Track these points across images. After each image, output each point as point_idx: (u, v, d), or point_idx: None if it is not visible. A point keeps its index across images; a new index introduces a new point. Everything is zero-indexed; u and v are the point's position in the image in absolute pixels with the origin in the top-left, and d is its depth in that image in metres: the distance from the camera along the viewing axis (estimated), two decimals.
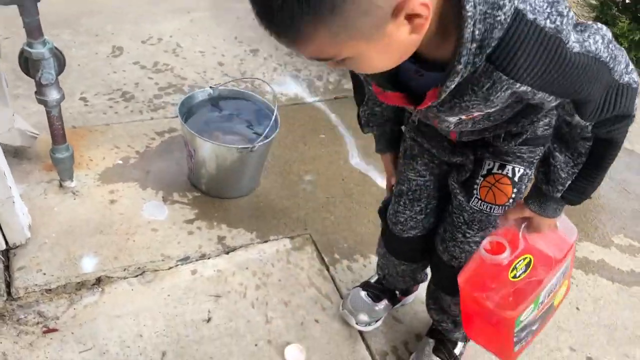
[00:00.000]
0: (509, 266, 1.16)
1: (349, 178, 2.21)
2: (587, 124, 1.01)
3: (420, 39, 0.82)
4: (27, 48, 1.55)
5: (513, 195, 1.26)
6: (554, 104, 0.97)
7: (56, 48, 1.61)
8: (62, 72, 1.67)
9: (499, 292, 1.17)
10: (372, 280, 1.71)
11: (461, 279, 1.20)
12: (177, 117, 2.30)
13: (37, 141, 1.98)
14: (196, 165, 1.94)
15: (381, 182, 2.23)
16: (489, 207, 1.27)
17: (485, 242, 1.18)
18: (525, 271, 1.18)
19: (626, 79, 0.95)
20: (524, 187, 1.27)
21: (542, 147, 1.22)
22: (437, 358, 1.57)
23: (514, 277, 1.17)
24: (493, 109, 0.99)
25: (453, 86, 0.89)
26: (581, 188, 1.11)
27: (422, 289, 1.71)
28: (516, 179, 1.25)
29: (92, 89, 2.39)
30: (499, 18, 0.80)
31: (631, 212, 2.40)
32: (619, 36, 2.87)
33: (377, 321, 1.69)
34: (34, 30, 1.53)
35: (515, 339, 1.26)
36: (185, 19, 2.97)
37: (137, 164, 2.06)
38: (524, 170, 1.24)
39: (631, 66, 0.96)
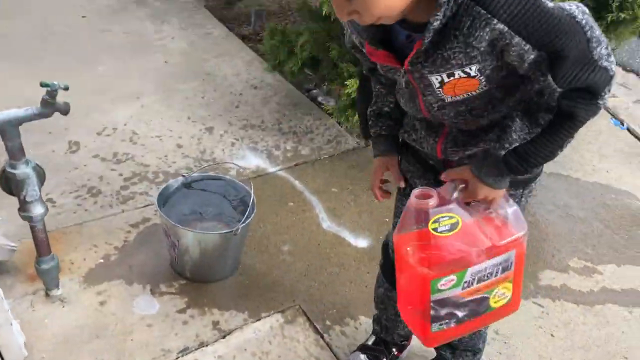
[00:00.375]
0: (432, 219, 1.18)
1: (324, 242, 2.32)
2: (557, 89, 1.07)
3: None
4: (10, 170, 1.59)
5: None
6: (532, 56, 1.03)
7: (36, 164, 1.65)
8: (43, 184, 1.71)
9: (421, 251, 1.19)
10: (370, 342, 1.81)
11: (395, 233, 1.24)
12: (147, 206, 2.37)
13: (15, 253, 1.97)
14: (180, 254, 1.99)
15: (354, 241, 2.34)
16: None
17: (416, 191, 1.21)
18: (449, 230, 1.18)
19: (605, 64, 1.04)
20: None
21: (521, 190, 1.33)
22: None
23: (435, 229, 1.17)
24: (474, 65, 1.08)
25: (437, 23, 1.01)
26: (525, 154, 1.14)
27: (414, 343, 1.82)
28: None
29: (57, 188, 2.40)
30: None
31: (579, 235, 2.62)
32: None
33: None
34: (16, 152, 1.57)
35: (432, 312, 1.24)
36: (135, 105, 3.03)
37: (119, 260, 2.09)
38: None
39: (612, 57, 1.06)
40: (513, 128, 1.20)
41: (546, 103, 1.17)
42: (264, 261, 2.19)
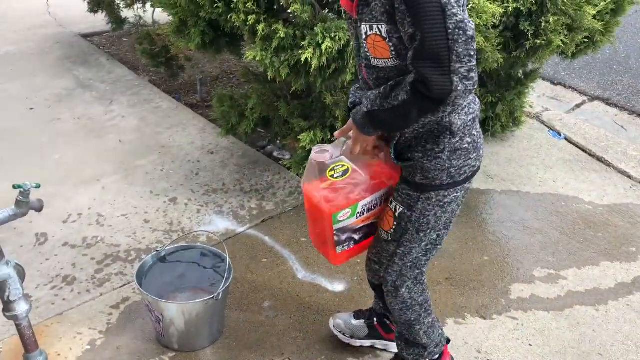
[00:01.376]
0: (329, 168, 1.57)
1: (302, 292, 2.39)
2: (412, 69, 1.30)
3: None
4: None
5: (394, 227, 1.63)
6: (410, 31, 1.25)
7: (16, 263, 1.70)
8: (23, 281, 1.75)
9: (323, 192, 1.59)
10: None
11: (303, 183, 1.63)
12: (124, 285, 2.41)
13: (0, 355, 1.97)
14: (165, 327, 2.03)
15: (331, 286, 2.43)
16: (380, 231, 1.70)
17: (315, 148, 1.59)
18: (342, 175, 1.58)
19: (455, 79, 1.25)
20: (403, 224, 1.61)
21: (417, 194, 1.55)
22: None
23: (332, 176, 1.57)
24: (383, 24, 1.31)
25: None
26: (375, 114, 1.42)
27: None
28: (397, 214, 1.61)
29: (31, 283, 2.41)
30: None
31: (538, 245, 2.78)
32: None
33: (352, 337, 2.08)
34: None
35: (335, 238, 1.67)
36: (96, 188, 3.08)
37: (105, 344, 2.11)
38: (403, 209, 1.58)
39: (470, 82, 1.27)
40: (376, 92, 1.45)
41: (406, 82, 1.37)
42: (247, 320, 2.25)
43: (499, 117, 3.49)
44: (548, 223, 2.94)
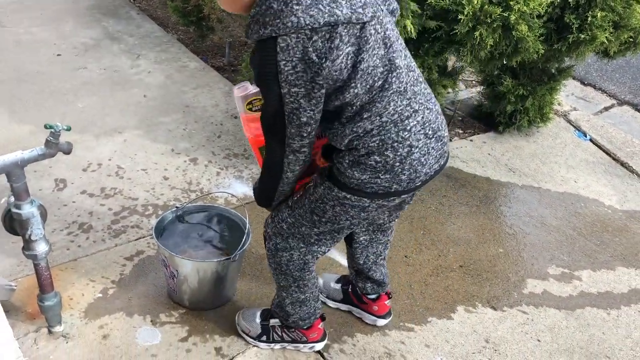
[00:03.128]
0: (247, 101, 1.66)
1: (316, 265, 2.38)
2: None
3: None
4: (15, 210, 1.62)
5: (298, 195, 1.62)
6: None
7: (40, 203, 1.70)
8: (45, 222, 1.75)
9: (249, 124, 1.69)
10: None
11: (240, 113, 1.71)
12: (139, 239, 2.41)
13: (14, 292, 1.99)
14: (178, 283, 2.04)
15: (344, 261, 2.42)
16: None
17: (238, 84, 1.69)
18: (259, 108, 1.61)
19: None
20: (304, 198, 1.60)
21: (325, 178, 1.54)
22: None
23: (250, 109, 1.66)
24: None
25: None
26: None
27: None
28: (307, 186, 1.60)
29: (48, 226, 2.40)
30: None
31: (555, 243, 2.75)
32: (507, 92, 3.32)
33: (327, 298, 2.18)
34: (21, 193, 1.61)
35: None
36: (118, 140, 3.07)
37: (117, 293, 2.12)
38: (311, 185, 1.59)
39: (297, 144, 1.42)
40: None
41: None
42: (259, 286, 2.25)
43: (527, 111, 3.44)
44: (566, 222, 2.91)
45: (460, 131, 3.64)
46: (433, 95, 1.54)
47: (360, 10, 1.30)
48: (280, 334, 1.94)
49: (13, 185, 1.59)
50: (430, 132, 1.48)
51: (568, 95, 4.40)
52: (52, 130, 1.58)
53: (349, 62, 1.32)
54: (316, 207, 1.56)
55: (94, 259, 2.28)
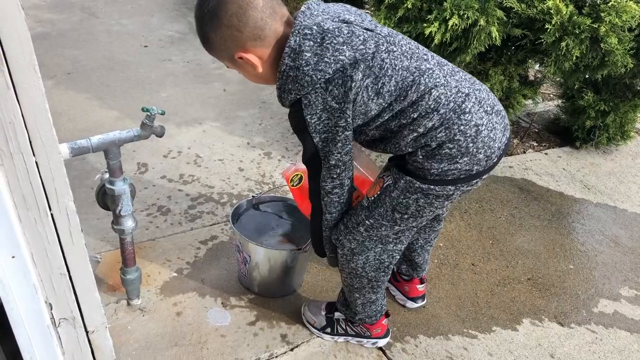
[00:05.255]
0: (289, 179, 1.96)
1: None
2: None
3: (264, 74, 1.45)
4: (109, 186, 1.74)
5: (376, 195, 1.63)
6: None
7: (131, 182, 1.81)
8: (133, 200, 1.86)
9: (298, 195, 1.94)
10: None
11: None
12: (214, 224, 2.51)
13: (99, 264, 2.12)
14: (250, 269, 2.11)
15: None
16: (364, 198, 1.69)
17: (286, 168, 2.00)
18: (298, 183, 1.92)
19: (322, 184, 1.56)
20: (383, 196, 1.60)
21: (403, 173, 1.56)
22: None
23: (293, 185, 1.94)
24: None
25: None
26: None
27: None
28: (384, 185, 1.61)
29: None
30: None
31: (629, 265, 2.66)
32: (587, 107, 3.24)
33: None
34: (116, 170, 1.73)
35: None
36: (198, 130, 3.20)
37: (191, 274, 2.22)
38: (390, 182, 1.60)
39: (328, 185, 1.55)
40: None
41: None
42: (325, 278, 2.30)
43: (607, 128, 3.34)
44: None
45: (535, 144, 3.57)
46: (476, 79, 1.60)
47: (361, 47, 1.38)
48: (344, 327, 1.98)
49: (109, 162, 1.70)
50: (488, 109, 1.53)
51: None
52: (148, 113, 1.68)
53: (370, 93, 1.41)
54: (398, 204, 1.58)
55: (170, 240, 2.39)
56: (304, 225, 2.26)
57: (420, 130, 1.48)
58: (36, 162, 1.16)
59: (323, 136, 1.44)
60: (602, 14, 2.18)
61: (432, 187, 1.53)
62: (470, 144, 1.49)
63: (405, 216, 1.60)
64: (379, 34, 1.44)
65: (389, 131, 1.52)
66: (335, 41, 1.35)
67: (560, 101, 3.68)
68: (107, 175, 1.76)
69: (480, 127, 1.49)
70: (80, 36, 4.22)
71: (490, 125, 1.52)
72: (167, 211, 2.57)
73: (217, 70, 3.88)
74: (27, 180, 1.18)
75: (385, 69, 1.41)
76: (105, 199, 1.80)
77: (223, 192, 2.74)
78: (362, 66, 1.37)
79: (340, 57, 1.35)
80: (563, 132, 3.60)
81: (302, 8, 1.43)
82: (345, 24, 1.39)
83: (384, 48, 1.41)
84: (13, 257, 1.26)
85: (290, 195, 2.73)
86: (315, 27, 1.36)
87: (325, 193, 1.58)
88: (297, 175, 1.95)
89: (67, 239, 1.34)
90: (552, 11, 2.19)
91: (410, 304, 2.19)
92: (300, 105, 1.40)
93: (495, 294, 2.36)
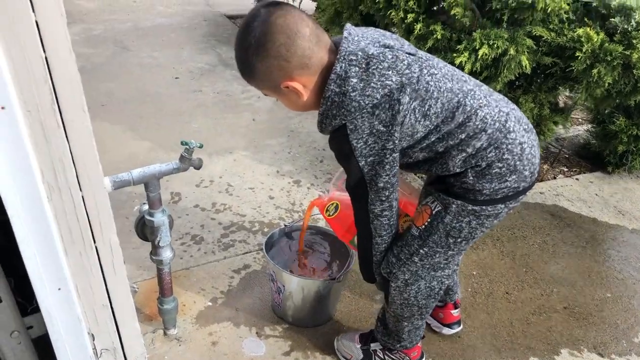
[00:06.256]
0: (324, 208, 1.98)
1: None
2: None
3: (308, 102, 1.45)
4: (149, 217, 1.77)
5: (426, 223, 1.61)
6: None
7: (169, 213, 1.84)
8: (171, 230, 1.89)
9: (335, 225, 1.97)
10: None
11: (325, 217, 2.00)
12: (246, 253, 2.53)
13: (137, 294, 2.15)
14: (284, 299, 2.12)
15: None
16: (412, 227, 1.67)
17: (314, 199, 2.03)
18: (334, 212, 1.93)
19: (371, 207, 1.54)
20: (435, 223, 1.60)
21: (453, 198, 1.56)
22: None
23: (329, 215, 1.96)
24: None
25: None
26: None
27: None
28: (434, 212, 1.60)
29: None
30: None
31: None
32: (619, 132, 3.21)
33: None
34: (155, 202, 1.76)
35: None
36: (229, 159, 3.25)
37: (226, 304, 2.24)
38: (440, 208, 1.59)
39: (377, 208, 1.54)
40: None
41: None
42: (359, 308, 2.29)
43: None
44: None
45: (565, 169, 3.54)
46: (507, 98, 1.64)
47: (407, 71, 1.39)
48: (382, 357, 1.97)
49: (149, 194, 1.74)
50: (526, 127, 1.57)
51: None
52: (187, 146, 1.72)
53: (417, 115, 1.42)
54: (452, 229, 1.59)
55: (204, 269, 2.42)
56: (337, 253, 2.27)
57: (469, 150, 1.49)
58: (82, 197, 1.20)
59: (370, 160, 1.43)
60: (634, 41, 2.18)
61: (484, 207, 1.54)
62: (518, 162, 1.52)
63: (459, 240, 1.61)
64: (421, 57, 1.46)
65: (434, 152, 1.53)
66: (380, 66, 1.37)
67: (590, 126, 3.65)
68: (146, 207, 1.80)
69: (523, 145, 1.53)
70: (113, 69, 4.34)
71: (530, 142, 1.56)
72: (201, 240, 2.61)
73: (246, 101, 3.95)
74: (73, 214, 1.21)
75: (431, 91, 1.42)
76: (145, 230, 1.84)
77: (254, 220, 2.76)
78: (408, 90, 1.38)
79: (387, 82, 1.37)
80: (594, 157, 3.56)
81: (345, 34, 1.44)
82: (388, 49, 1.41)
83: (426, 71, 1.43)
84: (59, 289, 1.29)
85: (320, 223, 2.74)
86: (360, 53, 1.38)
87: (374, 216, 1.56)
88: (332, 204, 1.96)
89: (110, 271, 1.37)
90: (582, 39, 2.19)
91: (446, 331, 2.17)
92: (344, 130, 1.40)
93: (531, 324, 2.32)
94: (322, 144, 3.49)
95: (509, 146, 1.51)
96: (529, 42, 2.22)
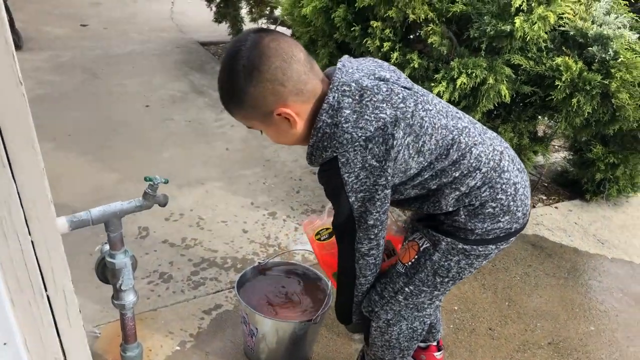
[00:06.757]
0: (315, 232, 1.82)
1: None
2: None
3: (298, 132, 1.35)
4: (109, 259, 1.65)
5: (413, 260, 1.55)
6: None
7: (132, 254, 1.72)
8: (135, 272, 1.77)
9: (323, 253, 1.81)
10: None
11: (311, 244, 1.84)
12: (218, 292, 2.41)
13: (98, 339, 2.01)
14: (257, 341, 2.00)
15: None
16: (397, 264, 1.61)
17: (308, 218, 1.87)
18: (328, 237, 1.77)
19: (356, 246, 1.46)
20: (422, 260, 1.53)
21: (443, 236, 1.51)
22: None
23: (319, 239, 1.80)
24: None
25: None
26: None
27: None
28: (421, 248, 1.54)
29: None
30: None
31: None
32: (596, 160, 3.19)
33: None
34: (117, 242, 1.64)
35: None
36: (200, 191, 3.14)
37: (195, 347, 2.11)
38: (428, 245, 1.54)
39: (365, 247, 1.46)
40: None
41: None
42: (337, 349, 2.18)
43: (617, 180, 3.28)
44: None
45: (544, 197, 3.50)
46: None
47: (402, 105, 1.34)
48: None
49: (110, 234, 1.62)
50: (519, 167, 1.54)
51: None
52: (151, 182, 1.61)
53: (411, 151, 1.37)
54: (440, 267, 1.52)
55: (173, 310, 2.28)
56: (313, 291, 2.16)
57: (463, 189, 1.44)
58: (32, 242, 1.09)
59: (360, 195, 1.36)
60: (612, 70, 2.15)
61: (474, 247, 1.48)
62: (511, 202, 1.48)
63: (446, 279, 1.54)
64: (417, 92, 1.41)
65: (427, 190, 1.47)
66: (375, 99, 1.31)
67: (567, 154, 3.63)
68: (107, 247, 1.68)
69: (517, 185, 1.49)
70: (81, 97, 4.21)
71: (524, 183, 1.52)
72: (169, 278, 2.47)
73: (219, 129, 3.85)
74: (22, 262, 1.10)
75: (426, 127, 1.37)
76: (105, 272, 1.71)
77: (227, 256, 2.64)
78: (402, 124, 1.32)
79: (381, 114, 1.31)
80: (572, 185, 3.54)
81: (338, 65, 1.38)
82: (383, 82, 1.36)
83: (421, 107, 1.37)
84: (5, 344, 1.16)
85: (297, 258, 2.63)
86: (354, 84, 1.32)
87: (360, 255, 1.48)
88: (327, 229, 1.82)
89: (64, 321, 1.25)
90: (561, 68, 2.16)
91: None
92: (335, 163, 1.33)
93: None
94: (299, 174, 3.39)
95: (503, 186, 1.47)
96: (508, 70, 2.18)
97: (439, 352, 2.05)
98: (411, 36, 2.25)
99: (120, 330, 1.82)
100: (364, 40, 2.26)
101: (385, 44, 2.19)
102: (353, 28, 2.29)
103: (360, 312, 1.65)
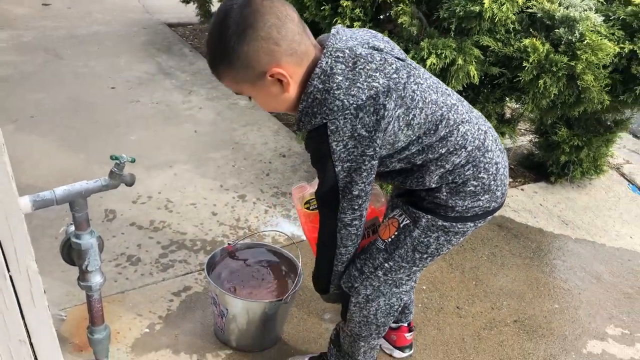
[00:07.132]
0: (304, 199, 1.78)
1: None
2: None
3: (291, 96, 1.33)
4: (75, 240, 1.61)
5: (393, 236, 1.56)
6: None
7: (99, 235, 1.69)
8: (102, 253, 1.74)
9: (309, 224, 1.78)
10: None
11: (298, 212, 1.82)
12: (187, 274, 2.39)
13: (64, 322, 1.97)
14: (227, 322, 1.99)
15: None
16: (377, 240, 1.61)
17: (297, 185, 1.82)
18: (317, 207, 1.63)
19: (340, 216, 1.45)
20: (402, 237, 1.55)
21: (423, 212, 1.52)
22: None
23: (307, 208, 1.77)
24: None
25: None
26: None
27: None
28: (401, 225, 1.56)
29: None
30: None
31: (612, 302, 2.62)
32: (561, 142, 3.25)
33: None
34: (82, 223, 1.61)
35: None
36: (168, 173, 3.09)
37: (164, 330, 2.09)
38: (408, 222, 1.55)
39: (348, 217, 1.45)
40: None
41: None
42: (307, 329, 2.19)
43: (581, 162, 3.35)
44: (623, 280, 2.78)
45: (511, 180, 3.56)
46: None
47: (395, 76, 1.33)
48: None
49: (75, 215, 1.59)
50: (501, 147, 1.57)
51: (620, 147, 4.28)
52: (118, 161, 1.58)
53: (401, 123, 1.36)
54: (419, 243, 1.53)
55: (141, 293, 2.26)
56: (284, 270, 2.16)
57: (448, 166, 1.45)
58: None
59: (347, 165, 1.34)
60: (578, 52, 2.18)
61: (453, 224, 1.50)
62: (492, 182, 1.50)
63: (425, 255, 1.55)
64: (410, 64, 1.40)
65: (412, 164, 1.47)
66: (368, 67, 1.29)
67: (533, 137, 3.69)
68: (72, 228, 1.64)
69: (498, 165, 1.52)
70: (44, 78, 4.09)
71: (504, 163, 1.55)
72: (137, 261, 2.44)
73: (187, 111, 3.80)
74: None
75: (417, 100, 1.36)
76: (71, 253, 1.67)
77: (196, 238, 2.62)
78: (394, 95, 1.31)
79: (374, 83, 1.29)
80: (537, 167, 3.60)
81: (332, 32, 1.36)
82: (377, 52, 1.34)
83: (412, 80, 1.36)
84: None
85: (267, 240, 2.63)
86: (347, 51, 1.30)
87: (343, 225, 1.47)
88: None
89: (28, 302, 1.22)
90: (529, 49, 2.18)
91: (397, 354, 2.09)
92: (324, 130, 1.31)
93: (483, 339, 2.28)
94: (269, 156, 3.37)
95: (486, 165, 1.48)
96: (477, 52, 2.19)
97: (410, 333, 2.08)
98: (381, 16, 2.25)
99: (87, 312, 1.79)
100: (334, 20, 2.25)
101: (355, 24, 2.18)
102: (323, 7, 2.27)
103: (338, 283, 1.65)
